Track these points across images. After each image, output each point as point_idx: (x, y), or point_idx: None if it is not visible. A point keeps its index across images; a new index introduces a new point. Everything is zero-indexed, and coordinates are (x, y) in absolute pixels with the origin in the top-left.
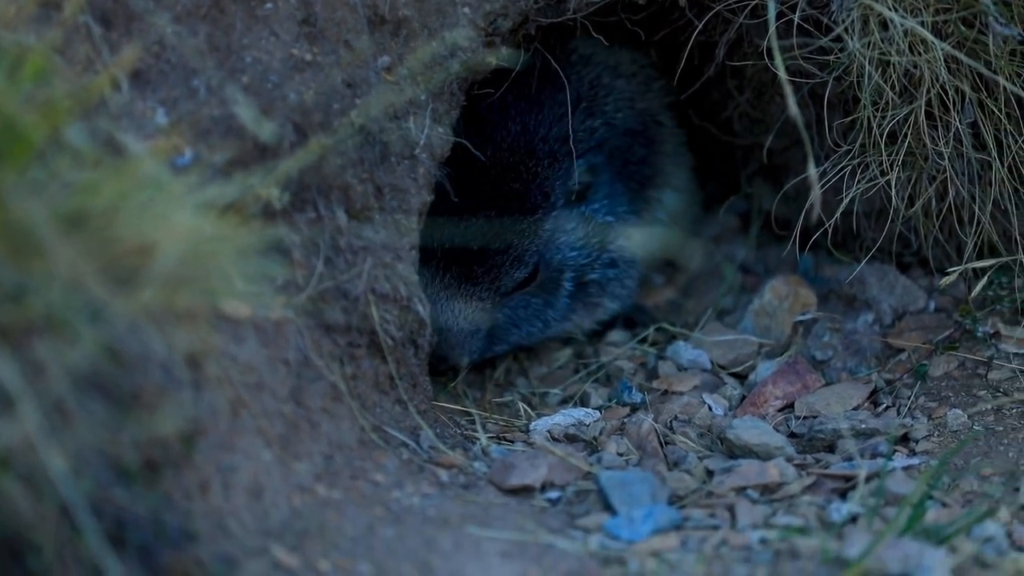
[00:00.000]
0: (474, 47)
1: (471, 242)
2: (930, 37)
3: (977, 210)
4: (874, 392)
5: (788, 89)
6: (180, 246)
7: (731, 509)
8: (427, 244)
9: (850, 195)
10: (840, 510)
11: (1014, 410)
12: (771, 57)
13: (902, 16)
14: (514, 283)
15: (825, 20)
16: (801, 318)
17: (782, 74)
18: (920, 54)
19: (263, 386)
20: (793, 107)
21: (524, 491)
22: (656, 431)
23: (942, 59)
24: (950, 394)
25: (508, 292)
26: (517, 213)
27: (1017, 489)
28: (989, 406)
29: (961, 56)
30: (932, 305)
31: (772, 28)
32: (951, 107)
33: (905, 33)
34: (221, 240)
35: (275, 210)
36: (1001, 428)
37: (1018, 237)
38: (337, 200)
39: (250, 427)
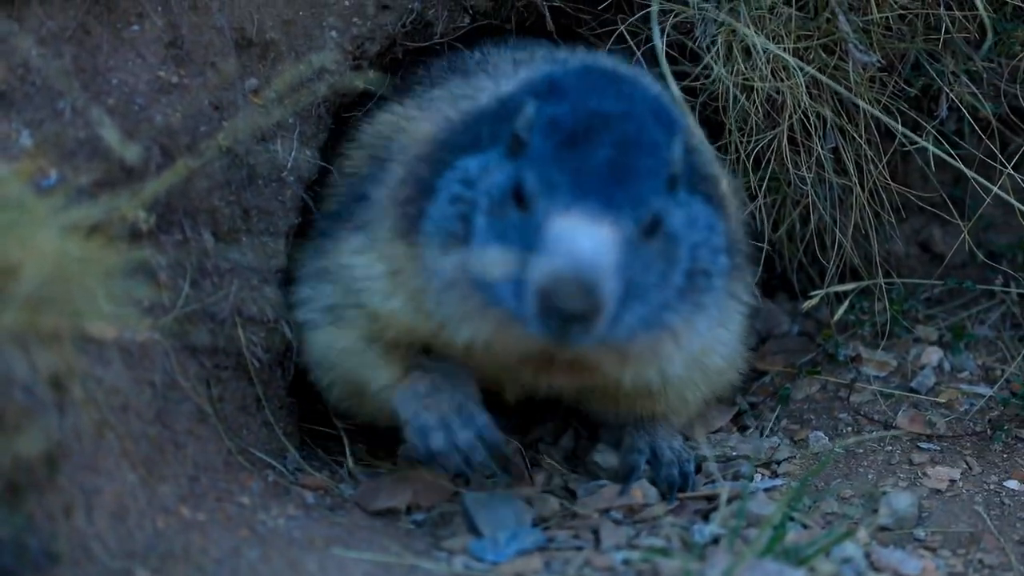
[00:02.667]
0: (341, 70)
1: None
2: (792, 62)
3: (839, 234)
4: (738, 415)
5: None
6: (44, 267)
7: (595, 531)
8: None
9: None
10: (703, 531)
11: (874, 432)
12: None
13: (764, 42)
14: (654, 219)
15: (691, 45)
16: None
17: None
18: (783, 80)
19: (128, 408)
20: None
21: (390, 513)
22: (522, 453)
23: (804, 85)
24: (812, 417)
25: (643, 231)
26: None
27: (876, 510)
28: (850, 429)
29: (823, 78)
30: (796, 329)
31: (660, 48)
32: (813, 133)
33: (768, 60)
34: (86, 262)
35: (141, 232)
36: (861, 450)
37: (878, 262)
38: (204, 222)
39: (115, 449)
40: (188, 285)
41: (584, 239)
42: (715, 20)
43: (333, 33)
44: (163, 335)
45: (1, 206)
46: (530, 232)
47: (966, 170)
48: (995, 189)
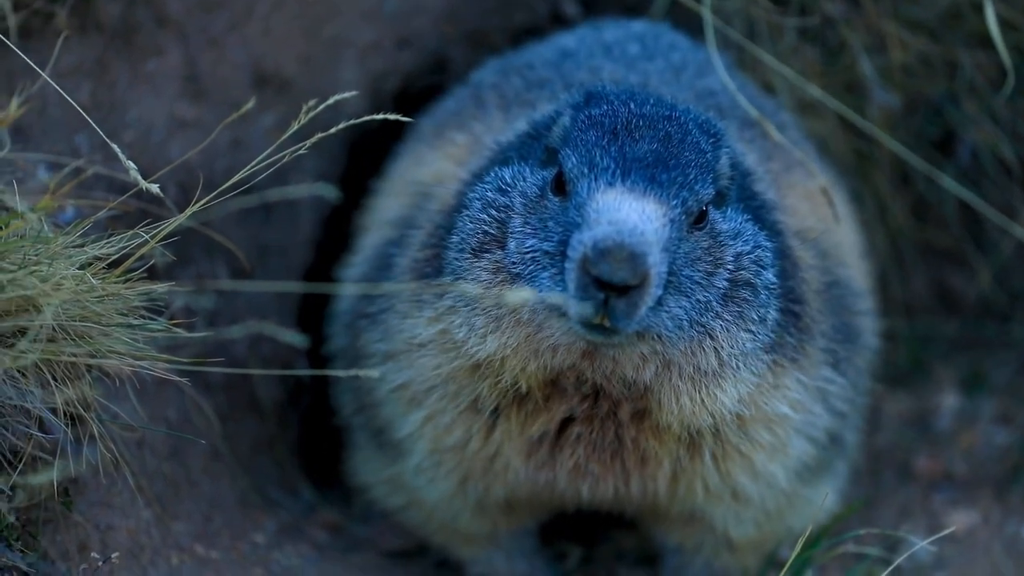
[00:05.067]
0: (359, 107)
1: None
2: (820, 94)
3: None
4: None
5: None
6: (62, 302)
7: None
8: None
9: None
10: None
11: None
12: None
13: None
14: (701, 204)
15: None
16: None
17: None
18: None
19: (144, 444)
20: None
21: (404, 555)
22: None
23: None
24: None
25: (691, 220)
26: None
27: (894, 554)
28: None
29: (850, 112)
30: None
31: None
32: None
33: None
34: (104, 297)
35: (158, 268)
36: (880, 493)
37: (897, 304)
38: (220, 259)
39: (130, 485)
40: (204, 322)
41: (629, 211)
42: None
43: (351, 70)
44: (178, 372)
45: (19, 241)
46: (571, 214)
47: (987, 209)
48: (1017, 230)
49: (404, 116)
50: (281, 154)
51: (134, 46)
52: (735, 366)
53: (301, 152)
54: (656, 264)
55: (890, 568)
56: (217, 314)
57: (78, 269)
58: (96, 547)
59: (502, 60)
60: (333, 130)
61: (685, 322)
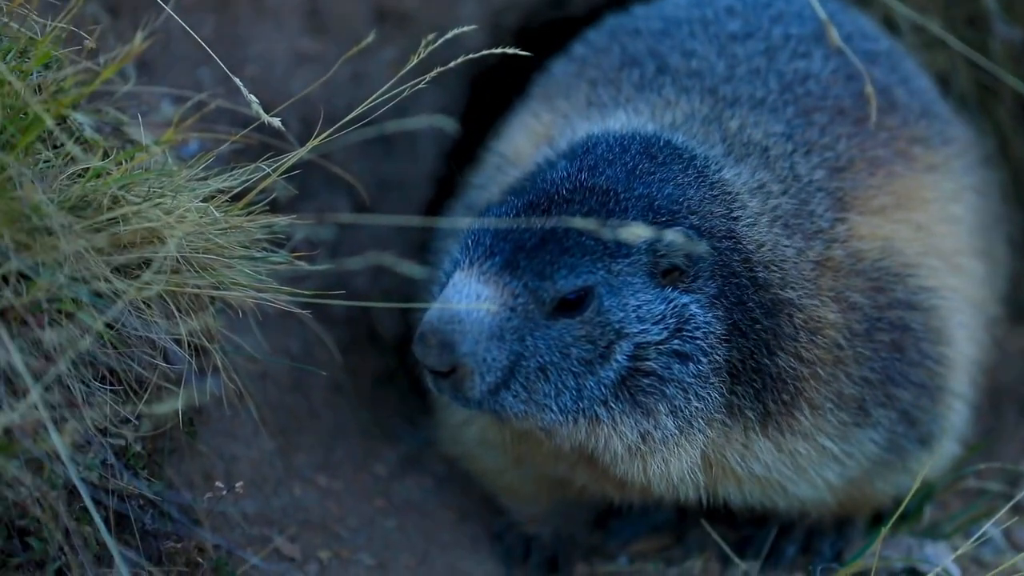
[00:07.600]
0: (478, 41)
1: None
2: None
3: None
4: None
5: None
6: (186, 235)
7: None
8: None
9: None
10: None
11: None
12: None
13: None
14: (558, 294)
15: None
16: None
17: None
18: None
19: (266, 376)
20: None
21: None
22: None
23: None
24: None
25: (551, 308)
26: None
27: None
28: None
29: (969, 51)
30: None
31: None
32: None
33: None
34: (227, 230)
35: (280, 201)
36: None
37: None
38: (341, 192)
39: (253, 416)
40: (325, 256)
41: (463, 295)
42: None
43: (470, 5)
44: (300, 305)
45: (143, 173)
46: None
47: None
48: None
49: (523, 51)
50: (401, 88)
51: None
52: (655, 447)
53: (421, 87)
54: (476, 353)
55: (1011, 503)
56: (338, 247)
57: (201, 202)
58: (220, 477)
59: (618, 18)
60: (452, 64)
61: (552, 407)
